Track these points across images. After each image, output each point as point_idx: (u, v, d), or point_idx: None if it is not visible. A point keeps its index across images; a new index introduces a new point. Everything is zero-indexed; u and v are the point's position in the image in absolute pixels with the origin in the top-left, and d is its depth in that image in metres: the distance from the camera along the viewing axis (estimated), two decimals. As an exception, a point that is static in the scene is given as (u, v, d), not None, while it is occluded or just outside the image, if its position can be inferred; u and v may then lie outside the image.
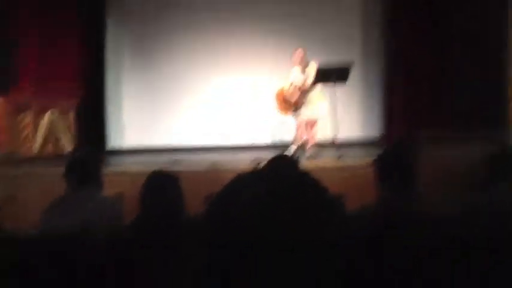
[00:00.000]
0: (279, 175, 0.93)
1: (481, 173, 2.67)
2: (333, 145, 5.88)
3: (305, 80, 6.05)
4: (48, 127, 6.86)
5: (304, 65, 6.09)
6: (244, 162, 5.25)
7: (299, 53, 6.10)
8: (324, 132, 6.27)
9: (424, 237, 2.10)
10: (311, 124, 6.19)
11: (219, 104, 8.12)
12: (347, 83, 6.01)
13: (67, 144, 7.05)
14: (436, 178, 4.50)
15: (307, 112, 6.13)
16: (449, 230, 2.18)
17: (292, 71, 6.22)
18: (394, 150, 2.65)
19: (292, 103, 6.15)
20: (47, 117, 6.84)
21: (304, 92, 6.09)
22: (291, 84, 6.16)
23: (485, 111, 6.92)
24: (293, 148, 6.21)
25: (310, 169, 4.84)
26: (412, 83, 7.15)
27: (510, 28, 6.64)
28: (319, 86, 6.08)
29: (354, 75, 6.44)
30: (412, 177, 2.46)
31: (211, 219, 0.90)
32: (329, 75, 5.83)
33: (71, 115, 7.20)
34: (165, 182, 2.57)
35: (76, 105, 7.24)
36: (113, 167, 5.77)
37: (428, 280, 1.64)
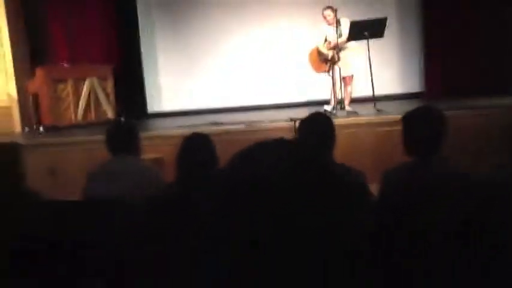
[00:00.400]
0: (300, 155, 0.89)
1: None
2: (371, 100, 5.79)
3: (339, 37, 5.93)
4: (88, 95, 6.98)
5: (337, 23, 5.94)
6: (280, 121, 5.23)
7: (331, 11, 5.95)
8: (361, 88, 6.17)
9: (454, 201, 2.06)
10: (347, 80, 6.10)
11: (254, 65, 8.09)
12: (384, 37, 5.86)
13: (108, 110, 7.18)
14: (476, 136, 4.39)
15: (342, 68, 6.03)
16: (481, 192, 2.12)
17: (325, 29, 6.08)
18: (419, 111, 2.54)
19: (327, 61, 6.06)
20: (86, 85, 6.94)
21: (338, 49, 5.97)
22: (326, 41, 6.05)
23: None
24: (330, 105, 6.15)
25: (348, 124, 4.81)
26: (451, 36, 6.90)
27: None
28: (354, 42, 5.95)
29: (391, 29, 6.25)
30: (441, 137, 2.37)
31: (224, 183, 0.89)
32: (364, 31, 5.68)
33: (110, 82, 7.31)
34: (200, 144, 2.60)
35: (113, 72, 7.34)
36: (153, 130, 5.87)
37: (455, 248, 1.61)
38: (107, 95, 7.23)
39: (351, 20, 5.84)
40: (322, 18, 6.04)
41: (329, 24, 6.01)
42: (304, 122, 2.79)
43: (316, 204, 0.83)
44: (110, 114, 7.18)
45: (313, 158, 0.88)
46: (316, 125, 2.75)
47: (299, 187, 0.83)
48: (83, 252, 2.13)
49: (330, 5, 6.05)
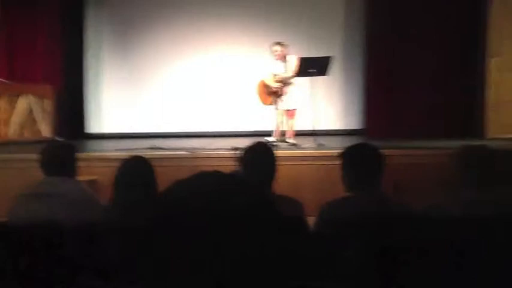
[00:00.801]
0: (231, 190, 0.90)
1: (454, 169, 2.63)
2: (313, 135, 5.90)
3: (286, 72, 6.07)
4: (24, 112, 6.74)
5: (285, 58, 6.10)
6: (223, 149, 5.22)
7: (280, 46, 6.10)
8: (303, 122, 6.29)
9: (392, 235, 2.14)
10: (290, 114, 6.23)
11: (199, 92, 8.09)
12: (328, 75, 6.04)
13: (45, 129, 6.93)
14: (409, 175, 4.55)
15: (287, 102, 6.16)
16: (418, 228, 2.22)
17: (273, 62, 6.22)
18: (359, 146, 2.64)
19: (272, 94, 6.18)
20: (22, 102, 6.71)
21: (284, 83, 6.11)
22: (273, 75, 6.17)
23: (464, 110, 7.01)
24: (272, 137, 6.22)
25: (290, 157, 4.86)
26: (391, 78, 7.18)
27: (488, 33, 6.69)
28: (300, 77, 6.11)
29: (335, 68, 6.46)
30: (378, 174, 2.44)
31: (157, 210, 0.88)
32: (310, 68, 5.84)
33: (49, 100, 7.09)
34: (139, 167, 2.55)
35: (54, 90, 7.13)
36: (90, 152, 5.69)
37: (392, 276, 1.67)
38: (45, 114, 7.00)
39: (298, 56, 5.99)
40: (271, 52, 6.18)
41: (277, 59, 6.15)
42: (246, 151, 2.80)
43: (252, 234, 0.83)
44: (47, 133, 6.93)
45: (252, 188, 0.89)
46: (258, 155, 2.76)
47: (236, 217, 0.83)
48: (8, 275, 2.01)
49: (280, 40, 6.20)
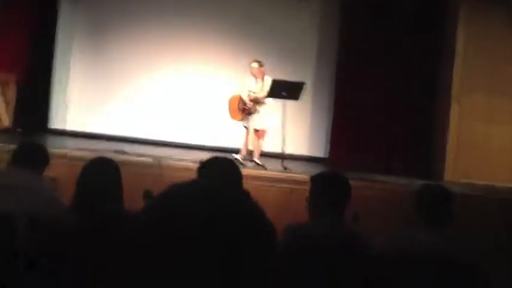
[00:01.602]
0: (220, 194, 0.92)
1: (409, 208, 2.71)
2: (279, 157, 5.95)
3: (260, 91, 6.13)
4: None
5: (261, 77, 6.16)
6: (190, 161, 5.18)
7: (259, 65, 6.17)
8: (272, 144, 6.33)
9: (349, 261, 2.21)
10: (260, 134, 6.25)
11: (169, 101, 8.02)
12: (299, 100, 6.13)
13: (5, 118, 6.74)
14: (368, 207, 4.65)
15: (257, 121, 6.18)
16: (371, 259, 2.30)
17: (248, 80, 6.27)
18: (327, 175, 2.70)
19: (244, 110, 6.20)
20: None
21: (257, 102, 6.15)
22: (248, 91, 6.22)
23: (426, 147, 7.20)
24: (239, 155, 6.22)
25: (254, 176, 4.88)
26: (360, 109, 7.31)
27: (453, 79, 6.92)
28: (271, 99, 6.17)
29: (306, 95, 6.56)
30: (344, 203, 2.49)
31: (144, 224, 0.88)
32: (282, 91, 5.92)
33: (11, 89, 6.90)
34: (106, 169, 2.50)
35: (19, 78, 6.94)
36: (50, 147, 5.56)
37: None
38: (6, 103, 6.81)
39: (274, 79, 6.05)
40: (250, 69, 6.23)
41: (252, 76, 6.20)
42: (208, 162, 2.69)
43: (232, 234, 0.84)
44: (7, 122, 6.74)
45: (224, 192, 0.91)
46: (221, 167, 2.66)
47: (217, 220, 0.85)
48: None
49: (259, 59, 6.26)
